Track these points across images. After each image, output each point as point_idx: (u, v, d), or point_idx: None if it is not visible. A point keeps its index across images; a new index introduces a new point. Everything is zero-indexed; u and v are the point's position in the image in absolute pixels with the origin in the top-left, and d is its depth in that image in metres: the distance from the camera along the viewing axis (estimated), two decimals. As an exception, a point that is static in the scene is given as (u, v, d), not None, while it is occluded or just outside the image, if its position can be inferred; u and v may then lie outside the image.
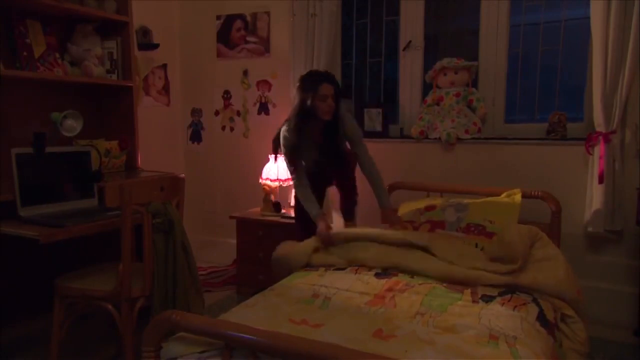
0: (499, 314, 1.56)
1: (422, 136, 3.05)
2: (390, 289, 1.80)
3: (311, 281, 1.93)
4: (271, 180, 3.21)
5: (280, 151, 2.53)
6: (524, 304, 1.68)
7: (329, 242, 2.27)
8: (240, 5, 3.65)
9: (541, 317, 1.62)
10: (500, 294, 1.75)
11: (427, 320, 1.52)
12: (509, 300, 1.69)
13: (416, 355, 1.29)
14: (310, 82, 2.38)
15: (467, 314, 1.56)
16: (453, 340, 1.38)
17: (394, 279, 1.93)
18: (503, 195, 2.57)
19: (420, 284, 1.86)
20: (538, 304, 1.70)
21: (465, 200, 2.51)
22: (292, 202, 2.96)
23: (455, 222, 2.39)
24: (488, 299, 1.69)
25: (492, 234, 2.24)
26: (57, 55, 2.59)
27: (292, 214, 3.18)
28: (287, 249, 2.34)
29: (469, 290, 1.78)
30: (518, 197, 2.52)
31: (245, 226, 3.18)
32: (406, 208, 2.62)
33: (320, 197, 2.61)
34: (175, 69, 3.91)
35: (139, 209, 1.94)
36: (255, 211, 3.30)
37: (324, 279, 1.96)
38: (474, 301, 1.69)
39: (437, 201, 2.57)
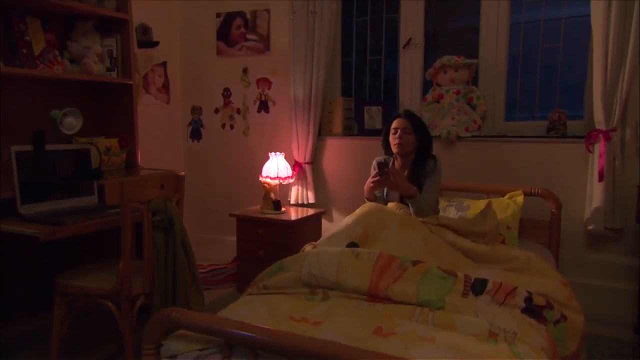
0: (494, 311, 1.55)
1: (422, 134, 3.05)
2: (381, 272, 1.71)
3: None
4: (271, 178, 3.20)
5: None
6: (513, 289, 1.62)
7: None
8: (240, 3, 3.64)
9: (529, 304, 1.58)
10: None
11: (426, 318, 1.52)
12: (498, 289, 1.63)
13: (416, 353, 1.29)
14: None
15: (466, 311, 1.56)
16: (453, 337, 1.38)
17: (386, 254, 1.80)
18: (505, 197, 2.56)
19: (414, 265, 1.74)
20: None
21: (466, 202, 2.51)
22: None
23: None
24: (479, 290, 1.64)
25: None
26: (57, 52, 2.59)
27: (292, 212, 3.20)
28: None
29: (462, 274, 1.73)
30: (520, 199, 2.52)
31: (245, 224, 3.18)
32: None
33: None
34: (175, 67, 3.90)
35: (139, 206, 1.93)
36: (255, 209, 3.30)
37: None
38: (464, 292, 1.65)
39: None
